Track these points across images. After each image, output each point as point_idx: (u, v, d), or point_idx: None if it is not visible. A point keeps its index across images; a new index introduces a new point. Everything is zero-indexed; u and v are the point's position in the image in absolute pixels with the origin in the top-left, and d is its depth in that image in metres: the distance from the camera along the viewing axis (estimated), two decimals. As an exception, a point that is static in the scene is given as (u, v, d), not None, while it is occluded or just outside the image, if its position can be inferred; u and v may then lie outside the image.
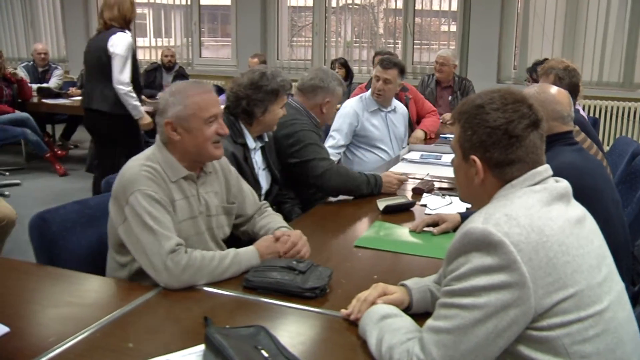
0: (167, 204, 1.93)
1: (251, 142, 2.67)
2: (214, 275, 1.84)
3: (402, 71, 3.99)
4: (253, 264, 1.92)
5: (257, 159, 2.75)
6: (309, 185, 3.00)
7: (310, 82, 3.09)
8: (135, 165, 1.97)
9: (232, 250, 1.94)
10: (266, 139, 2.79)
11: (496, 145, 1.36)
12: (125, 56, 4.18)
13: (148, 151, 2.06)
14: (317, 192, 3.05)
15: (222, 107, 2.19)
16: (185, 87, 2.06)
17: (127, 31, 4.27)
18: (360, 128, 3.97)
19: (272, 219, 2.28)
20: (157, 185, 1.94)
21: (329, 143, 3.85)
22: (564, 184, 1.39)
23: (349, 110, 3.96)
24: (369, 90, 4.07)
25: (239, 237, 2.28)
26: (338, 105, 3.51)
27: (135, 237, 1.86)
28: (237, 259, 1.91)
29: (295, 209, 2.94)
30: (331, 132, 3.95)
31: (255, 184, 2.60)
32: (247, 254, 1.94)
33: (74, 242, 2.09)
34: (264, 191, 2.77)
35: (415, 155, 3.97)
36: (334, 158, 3.73)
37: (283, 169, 2.96)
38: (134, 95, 4.28)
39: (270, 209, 2.38)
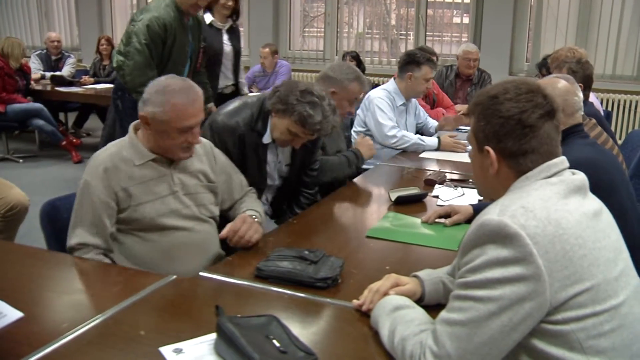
0: (105, 206, 1.99)
1: (267, 138, 2.56)
2: None
3: None
4: None
5: (279, 153, 2.67)
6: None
7: (324, 71, 3.07)
8: (105, 155, 2.05)
9: None
10: None
11: (509, 135, 1.35)
12: None
13: (127, 134, 2.12)
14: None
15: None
16: (172, 90, 2.01)
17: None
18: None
19: (247, 205, 2.31)
20: (104, 186, 1.99)
21: (391, 130, 3.79)
22: (580, 177, 1.37)
23: (389, 103, 3.86)
24: (389, 84, 3.97)
25: (228, 220, 2.25)
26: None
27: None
28: None
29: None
30: (389, 119, 3.81)
31: (259, 172, 2.60)
32: None
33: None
34: (276, 183, 2.75)
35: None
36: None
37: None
38: None
39: (254, 195, 2.42)
